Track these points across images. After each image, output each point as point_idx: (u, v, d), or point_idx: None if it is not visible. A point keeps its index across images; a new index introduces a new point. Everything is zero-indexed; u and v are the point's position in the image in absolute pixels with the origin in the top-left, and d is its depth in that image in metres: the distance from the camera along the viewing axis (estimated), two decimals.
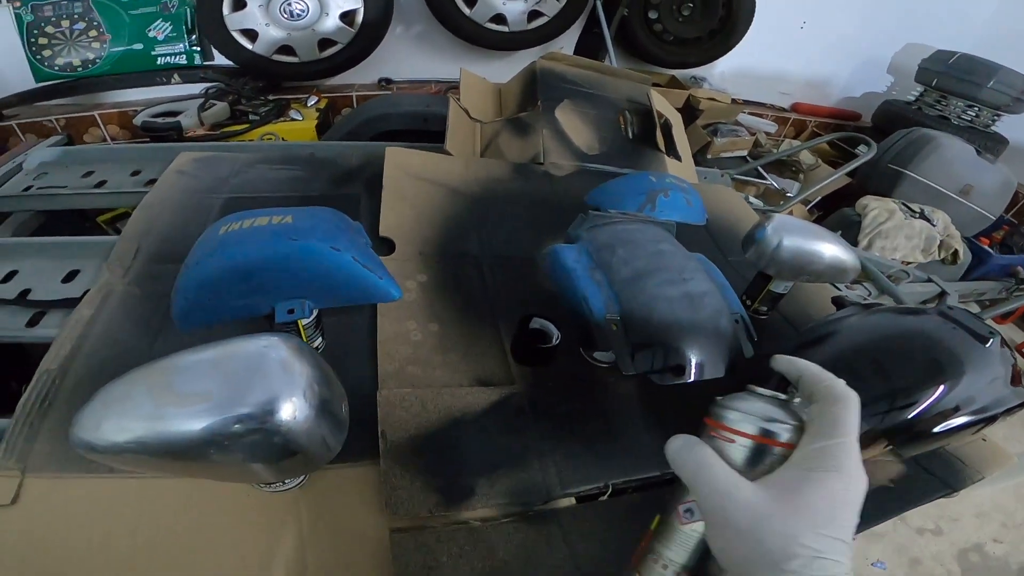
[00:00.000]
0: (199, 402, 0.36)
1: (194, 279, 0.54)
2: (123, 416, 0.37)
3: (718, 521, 0.37)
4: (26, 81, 1.90)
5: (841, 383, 0.40)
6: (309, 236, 0.52)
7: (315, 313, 0.58)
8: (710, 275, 0.74)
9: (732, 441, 0.38)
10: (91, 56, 1.91)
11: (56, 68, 1.90)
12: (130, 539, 0.55)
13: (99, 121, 1.97)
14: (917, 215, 2.10)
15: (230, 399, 0.36)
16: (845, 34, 2.84)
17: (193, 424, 0.36)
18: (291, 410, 0.36)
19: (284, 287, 0.53)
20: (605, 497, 0.64)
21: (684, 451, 0.39)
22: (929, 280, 1.73)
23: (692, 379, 0.62)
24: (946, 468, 0.75)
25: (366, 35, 1.99)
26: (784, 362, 0.42)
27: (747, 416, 0.38)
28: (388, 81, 2.39)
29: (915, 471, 0.73)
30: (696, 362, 0.62)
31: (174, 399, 0.36)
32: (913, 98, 2.84)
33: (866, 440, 0.61)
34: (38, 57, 1.87)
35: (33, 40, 1.87)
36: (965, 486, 0.73)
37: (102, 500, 0.58)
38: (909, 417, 0.59)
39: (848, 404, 0.38)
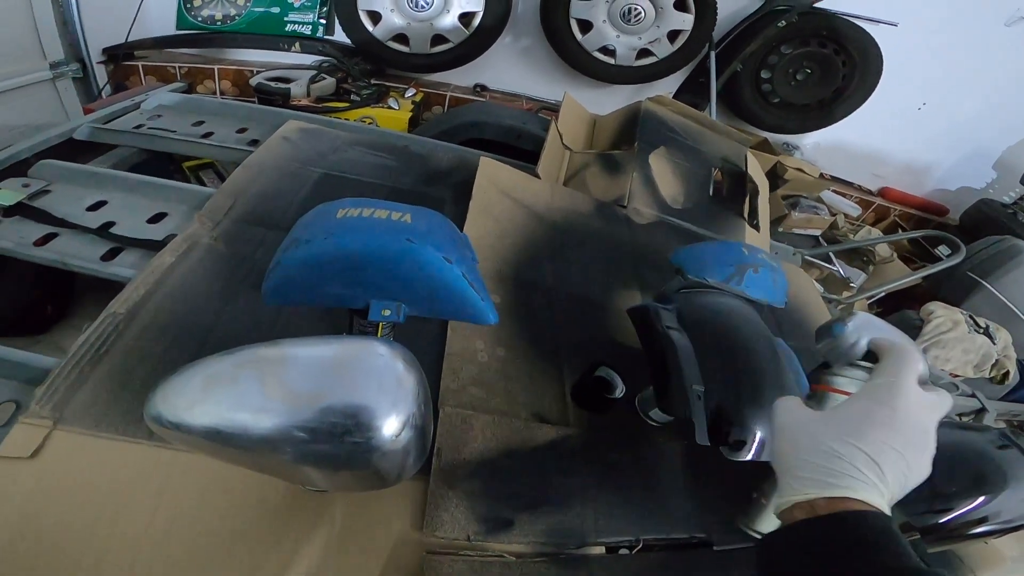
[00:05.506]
0: (307, 402, 0.35)
1: (302, 256, 0.53)
2: (225, 402, 0.36)
3: (777, 428, 0.46)
4: (166, 27, 2.03)
5: (903, 345, 0.47)
6: (425, 241, 0.51)
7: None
8: (791, 363, 0.72)
9: (826, 395, 0.48)
10: (233, 12, 2.04)
11: (199, 19, 2.03)
12: (148, 517, 0.52)
13: (216, 75, 2.08)
14: (981, 331, 2.00)
15: (341, 405, 0.36)
16: (962, 121, 2.70)
17: (293, 423, 0.35)
18: (396, 427, 0.36)
19: (386, 286, 0.52)
20: (633, 551, 0.64)
21: (780, 399, 0.49)
22: (973, 395, 1.71)
23: (751, 457, 0.61)
24: (945, 564, 0.78)
25: (478, 39, 2.05)
26: (875, 341, 0.50)
27: (847, 379, 0.48)
28: (483, 88, 2.44)
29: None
30: (759, 441, 0.61)
31: (283, 393, 0.36)
32: (1011, 200, 2.69)
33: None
34: (187, 5, 2.00)
35: None
36: None
37: (128, 469, 0.55)
38: (941, 521, 0.62)
39: (901, 356, 0.45)
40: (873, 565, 0.36)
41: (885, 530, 0.38)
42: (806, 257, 1.88)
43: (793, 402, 0.48)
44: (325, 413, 0.36)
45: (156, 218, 0.97)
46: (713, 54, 2.19)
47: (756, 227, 1.37)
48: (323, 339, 0.40)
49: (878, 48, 2.23)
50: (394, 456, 0.37)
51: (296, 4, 2.07)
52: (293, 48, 2.06)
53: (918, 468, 0.42)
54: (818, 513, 0.39)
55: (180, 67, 2.03)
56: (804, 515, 0.40)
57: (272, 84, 1.83)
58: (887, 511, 0.40)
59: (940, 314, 2.01)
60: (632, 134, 1.35)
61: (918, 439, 0.42)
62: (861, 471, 0.39)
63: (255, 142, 1.24)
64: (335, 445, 0.36)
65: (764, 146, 2.38)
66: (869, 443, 0.40)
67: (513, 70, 2.43)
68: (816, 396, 0.48)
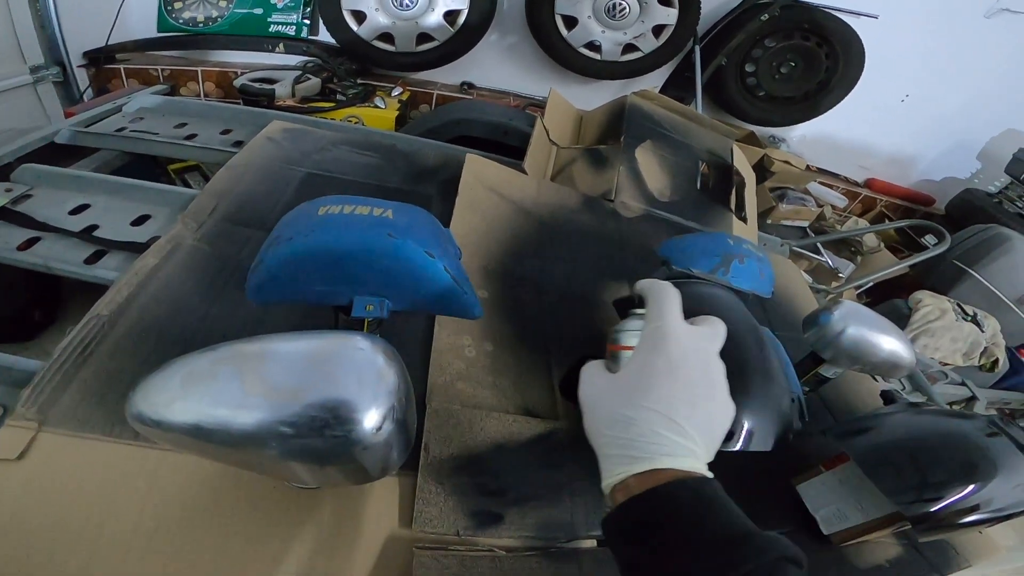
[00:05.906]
0: (287, 397, 0.35)
1: (284, 254, 0.52)
2: (204, 398, 0.36)
3: (581, 401, 0.45)
4: (147, 29, 2.00)
5: (658, 283, 0.45)
6: (407, 235, 0.51)
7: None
8: (777, 352, 0.72)
9: (617, 353, 0.46)
10: (215, 14, 2.02)
11: (180, 21, 2.01)
12: (136, 517, 0.52)
13: (199, 77, 2.07)
14: (969, 318, 2.04)
15: (321, 400, 0.35)
16: (946, 112, 2.73)
17: (273, 418, 0.35)
18: (376, 420, 0.36)
19: (369, 282, 0.52)
20: None
21: (584, 367, 0.47)
22: (963, 384, 1.75)
23: (739, 448, 0.61)
24: (939, 554, 0.77)
25: (463, 37, 2.04)
26: (637, 284, 0.49)
27: (629, 332, 0.46)
28: (470, 85, 2.44)
29: (910, 554, 0.76)
30: (746, 432, 0.61)
31: (263, 389, 0.36)
32: (995, 189, 2.72)
33: (889, 520, 0.65)
34: (168, 8, 1.98)
35: None
36: (952, 572, 0.76)
37: (115, 469, 0.55)
38: (931, 510, 0.62)
39: (659, 296, 0.44)
40: (693, 541, 0.34)
41: (702, 498, 0.36)
42: (794, 248, 1.90)
43: (594, 369, 0.46)
44: (304, 407, 0.35)
45: (139, 220, 0.97)
46: (698, 48, 2.20)
47: (744, 219, 1.38)
48: (303, 334, 0.40)
49: (860, 41, 2.26)
50: (376, 449, 0.37)
51: (279, 5, 2.05)
52: (277, 49, 2.04)
53: (717, 411, 0.40)
54: (633, 494, 0.37)
55: (163, 69, 2.01)
56: (623, 497, 0.38)
57: (256, 85, 1.82)
58: (703, 468, 0.38)
59: (928, 303, 2.03)
60: (618, 129, 1.35)
61: (702, 380, 0.40)
62: (661, 434, 0.37)
63: (239, 143, 1.23)
64: (315, 439, 0.36)
65: (751, 139, 2.40)
66: (657, 400, 0.38)
67: (500, 67, 2.43)
68: (612, 357, 0.46)
